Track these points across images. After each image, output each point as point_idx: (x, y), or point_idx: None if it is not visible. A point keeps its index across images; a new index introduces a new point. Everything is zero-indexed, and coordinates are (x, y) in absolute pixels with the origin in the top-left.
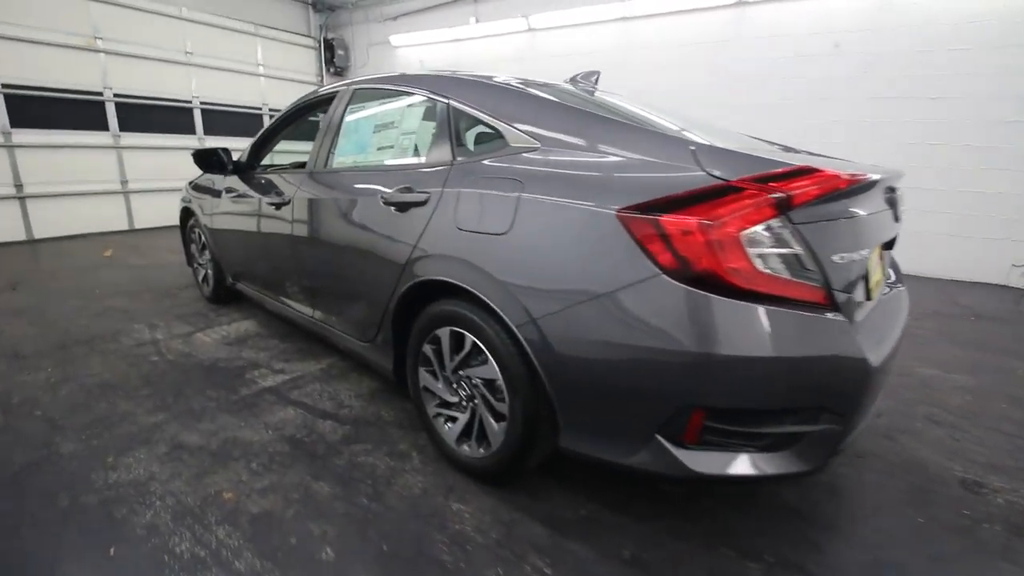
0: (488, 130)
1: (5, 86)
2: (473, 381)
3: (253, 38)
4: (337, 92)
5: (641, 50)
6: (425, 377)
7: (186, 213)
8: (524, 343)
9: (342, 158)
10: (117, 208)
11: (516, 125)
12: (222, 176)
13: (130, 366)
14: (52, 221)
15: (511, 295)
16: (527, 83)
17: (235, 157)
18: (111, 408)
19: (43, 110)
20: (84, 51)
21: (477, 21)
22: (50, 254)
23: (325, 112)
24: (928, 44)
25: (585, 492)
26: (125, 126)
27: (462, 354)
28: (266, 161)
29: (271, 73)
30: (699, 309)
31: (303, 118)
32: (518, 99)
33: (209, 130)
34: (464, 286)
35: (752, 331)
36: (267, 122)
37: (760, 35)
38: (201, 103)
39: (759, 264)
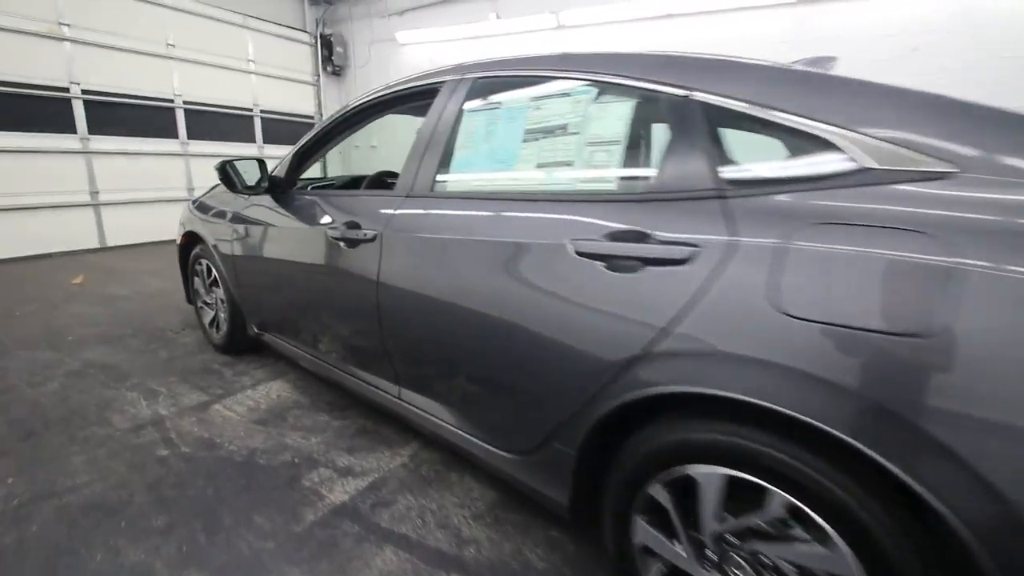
0: (797, 142)
1: None
2: (772, 562)
3: (242, 30)
4: (443, 83)
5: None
6: (646, 532)
7: (189, 239)
8: (963, 529)
9: (465, 177)
10: (86, 223)
11: (886, 135)
12: (246, 195)
13: (130, 469)
14: (5, 238)
15: (935, 443)
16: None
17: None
18: (111, 562)
19: None
20: (46, 39)
21: (498, 17)
22: (5, 282)
23: (422, 111)
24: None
25: None
26: (95, 128)
27: (753, 516)
28: (306, 175)
29: (263, 71)
30: None
31: (371, 119)
32: (858, 93)
33: (194, 133)
34: (803, 418)
35: None
36: (258, 125)
37: (824, 36)
38: (184, 103)
39: None
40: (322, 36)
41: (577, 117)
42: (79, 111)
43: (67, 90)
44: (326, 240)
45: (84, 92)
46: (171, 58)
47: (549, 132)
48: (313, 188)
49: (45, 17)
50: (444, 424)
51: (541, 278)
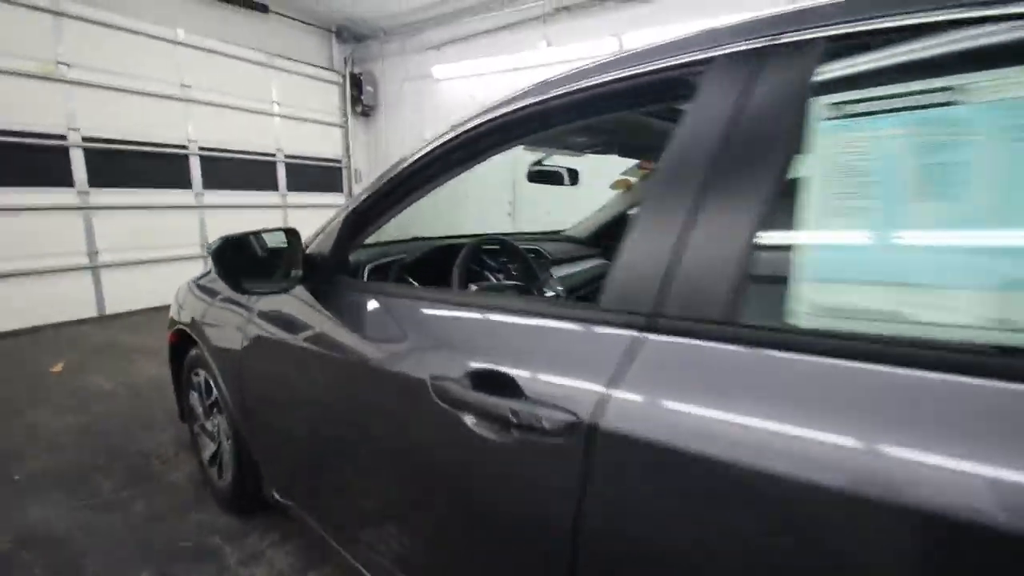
0: None
1: None
2: None
3: (266, 70)
4: (708, 64)
5: None
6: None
7: (181, 340)
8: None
9: (873, 289)
10: (82, 289)
11: None
12: (279, 289)
13: None
14: None
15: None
16: None
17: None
18: None
19: None
20: (41, 80)
21: (549, 45)
22: None
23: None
24: None
25: None
26: (96, 180)
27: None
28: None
29: (288, 112)
30: None
31: (491, 150)
32: None
33: (210, 182)
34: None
35: None
36: (281, 171)
37: None
38: (200, 148)
39: None
40: (351, 75)
41: None
42: (78, 161)
43: (64, 137)
44: (433, 408)
45: (85, 139)
46: (186, 100)
47: None
48: (376, 268)
49: (40, 56)
50: None
51: None
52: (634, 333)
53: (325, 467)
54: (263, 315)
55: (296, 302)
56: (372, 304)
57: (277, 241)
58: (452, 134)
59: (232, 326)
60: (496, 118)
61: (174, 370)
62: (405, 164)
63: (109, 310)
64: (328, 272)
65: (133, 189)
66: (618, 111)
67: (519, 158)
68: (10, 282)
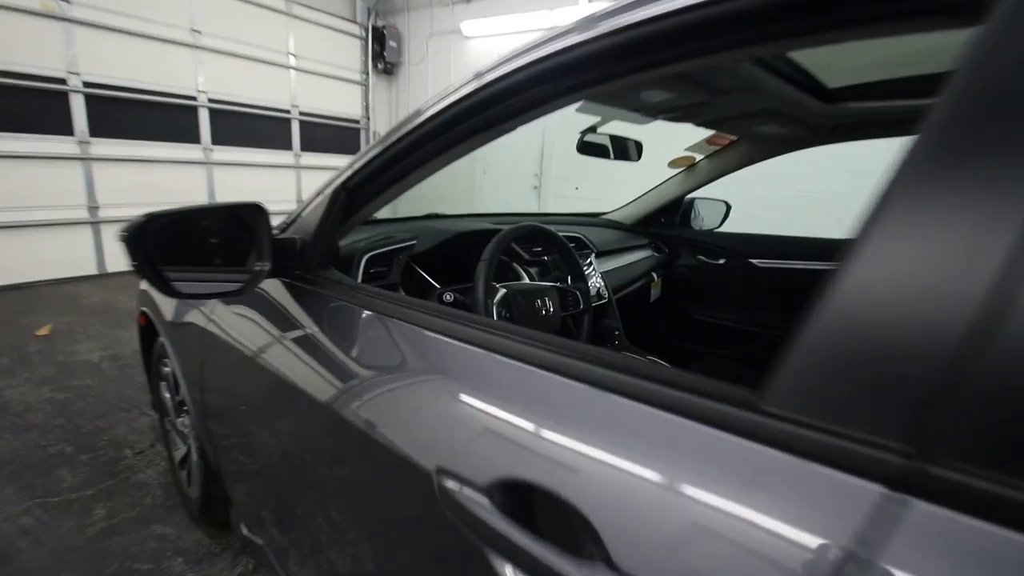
0: None
1: None
2: None
3: (283, 19)
4: None
5: None
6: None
7: (150, 323)
8: None
9: None
10: (82, 245)
11: None
12: (229, 290)
13: None
14: None
15: None
16: None
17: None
18: None
19: None
20: (40, 18)
21: (591, 0)
22: None
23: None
24: None
25: None
26: (98, 130)
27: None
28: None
29: (305, 66)
30: None
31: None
32: None
33: (220, 138)
34: None
35: None
36: (296, 129)
37: None
38: (210, 100)
39: None
40: (374, 28)
41: None
42: (78, 107)
43: (64, 81)
44: (440, 519)
45: (86, 85)
46: (197, 47)
47: None
48: (375, 258)
49: None
50: None
51: None
52: (879, 488)
53: (301, 524)
54: (223, 318)
55: (263, 304)
56: (364, 318)
57: (235, 220)
58: (476, 84)
59: (192, 323)
60: (537, 61)
61: (145, 354)
62: (412, 125)
63: (110, 268)
64: (308, 265)
65: (138, 141)
66: (715, 55)
67: (550, 121)
68: (5, 235)
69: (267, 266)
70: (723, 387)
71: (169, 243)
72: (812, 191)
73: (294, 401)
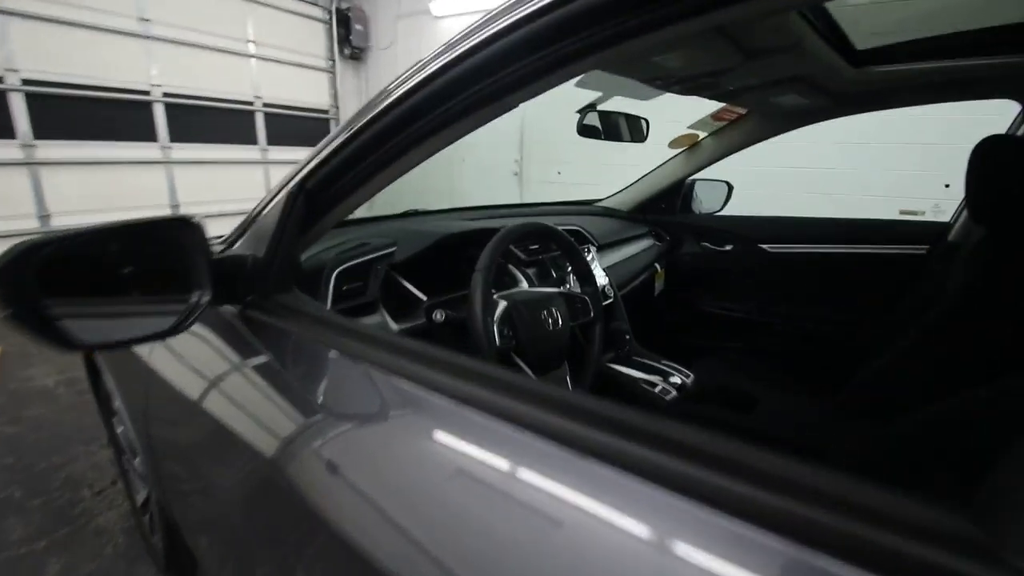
0: None
1: None
2: None
3: (241, 3)
4: None
5: None
6: None
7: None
8: None
9: None
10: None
11: None
12: (155, 333)
13: None
14: None
15: None
16: None
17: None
18: None
19: None
20: None
21: None
22: None
23: None
24: None
25: None
26: (43, 130)
27: None
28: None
29: (266, 54)
30: None
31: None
32: None
33: (178, 134)
34: None
35: None
36: (260, 122)
37: None
38: (165, 95)
39: None
40: (338, 11)
41: None
42: (19, 107)
43: (1, 80)
44: None
45: (26, 82)
46: (146, 37)
47: None
48: (347, 272)
49: None
50: None
51: None
52: None
53: None
54: (161, 358)
55: (209, 339)
56: (333, 361)
57: (160, 240)
58: (452, 54)
59: (137, 356)
60: (529, 17)
61: (94, 387)
62: (382, 107)
63: None
64: (264, 288)
65: (89, 141)
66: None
67: (528, 102)
68: None
69: (207, 295)
70: (928, 512)
71: (66, 277)
72: (798, 166)
73: (251, 463)
